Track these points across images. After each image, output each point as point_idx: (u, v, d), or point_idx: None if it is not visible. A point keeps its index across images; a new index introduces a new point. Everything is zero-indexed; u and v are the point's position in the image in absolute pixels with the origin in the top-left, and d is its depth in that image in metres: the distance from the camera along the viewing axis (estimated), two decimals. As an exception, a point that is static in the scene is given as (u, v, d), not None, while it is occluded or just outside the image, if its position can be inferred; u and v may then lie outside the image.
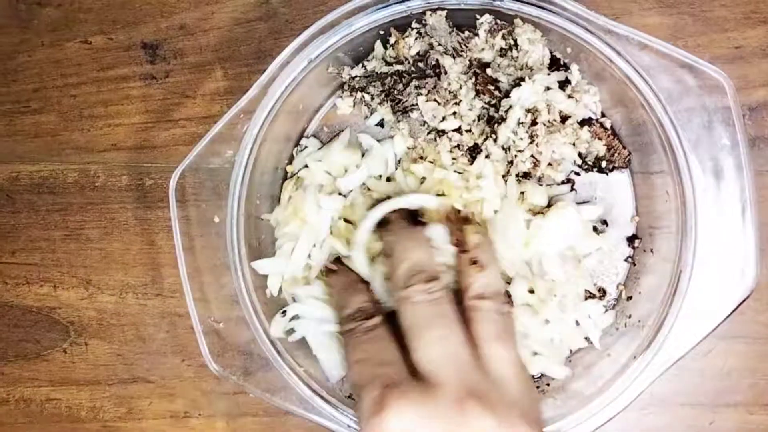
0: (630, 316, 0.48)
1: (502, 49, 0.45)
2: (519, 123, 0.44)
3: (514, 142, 0.44)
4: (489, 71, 0.45)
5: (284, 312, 0.49)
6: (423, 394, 0.37)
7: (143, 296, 0.57)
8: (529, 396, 0.39)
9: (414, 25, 0.46)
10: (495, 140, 0.45)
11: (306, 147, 0.52)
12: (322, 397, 0.47)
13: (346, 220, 0.49)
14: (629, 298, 0.49)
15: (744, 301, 0.42)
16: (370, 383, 0.38)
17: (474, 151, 0.47)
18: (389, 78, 0.46)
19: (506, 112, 0.44)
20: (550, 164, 0.45)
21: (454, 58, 0.45)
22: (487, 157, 0.45)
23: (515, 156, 0.44)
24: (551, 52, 0.46)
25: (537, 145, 0.43)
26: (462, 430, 0.36)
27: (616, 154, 0.46)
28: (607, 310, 0.49)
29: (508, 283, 0.46)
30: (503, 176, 0.46)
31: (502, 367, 0.39)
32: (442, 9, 0.45)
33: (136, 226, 0.56)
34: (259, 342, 0.48)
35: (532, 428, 0.37)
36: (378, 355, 0.40)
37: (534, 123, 0.43)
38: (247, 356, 0.49)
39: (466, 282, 0.42)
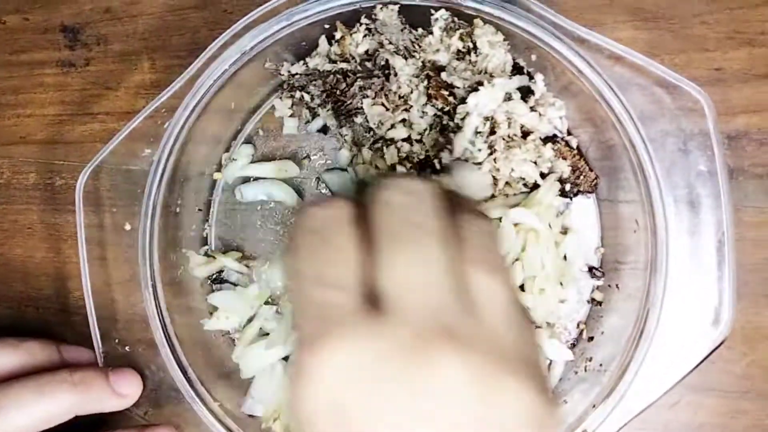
0: (591, 359, 0.44)
1: (459, 51, 0.41)
2: (476, 132, 0.39)
3: (471, 153, 0.39)
4: (444, 75, 0.41)
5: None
6: (376, 326, 0.27)
7: (45, 311, 0.52)
8: (526, 346, 0.29)
9: (363, 20, 0.43)
10: (450, 152, 0.40)
11: (235, 160, 0.48)
12: (239, 437, 0.43)
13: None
14: (590, 338, 0.45)
15: (717, 348, 0.39)
16: (309, 311, 0.29)
17: (425, 164, 0.42)
18: (331, 76, 0.42)
19: (462, 119, 0.39)
20: (508, 183, 0.40)
21: (405, 58, 0.41)
22: (439, 171, 0.41)
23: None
24: (514, 59, 0.42)
25: (495, 160, 0.38)
26: (420, 380, 0.26)
27: (581, 177, 0.42)
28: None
29: None
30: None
31: (491, 304, 0.29)
32: (395, 3, 0.41)
33: (43, 231, 0.52)
34: (170, 371, 0.43)
35: (525, 384, 0.27)
36: (329, 266, 0.29)
37: (492, 132, 0.39)
38: (155, 387, 0.45)
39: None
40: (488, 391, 0.26)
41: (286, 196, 0.46)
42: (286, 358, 0.45)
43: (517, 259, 0.43)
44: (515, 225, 0.42)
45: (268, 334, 0.46)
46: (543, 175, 0.42)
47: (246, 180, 0.47)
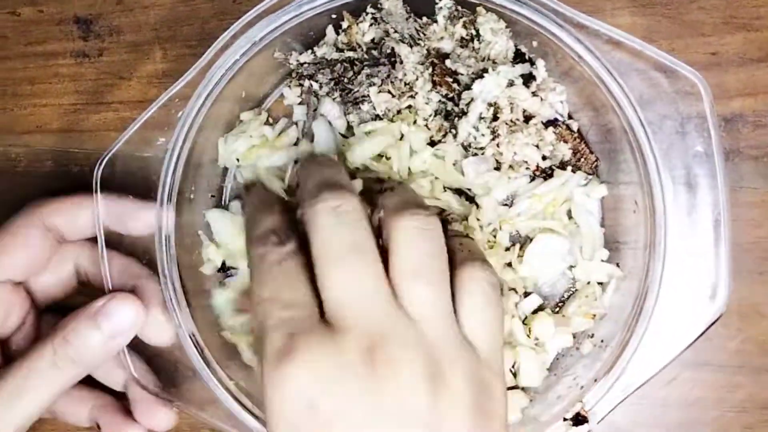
0: (592, 335, 0.45)
1: (462, 38, 0.42)
2: (480, 118, 0.40)
3: (475, 138, 0.41)
4: (448, 62, 0.42)
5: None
6: (330, 341, 0.30)
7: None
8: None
9: (369, 9, 0.44)
10: (455, 136, 0.41)
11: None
12: (254, 415, 0.43)
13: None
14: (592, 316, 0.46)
15: (712, 324, 0.39)
16: (274, 329, 0.32)
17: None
18: (339, 65, 0.43)
19: (467, 105, 0.40)
20: (511, 167, 0.41)
21: (410, 46, 0.42)
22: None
23: (475, 154, 0.40)
24: (516, 46, 0.43)
25: (498, 144, 0.40)
26: (379, 390, 0.30)
27: (582, 159, 0.43)
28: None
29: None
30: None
31: (422, 311, 0.32)
32: None
33: (60, 217, 0.52)
34: (186, 349, 0.44)
35: (469, 387, 0.31)
36: (287, 292, 0.33)
37: (495, 118, 0.40)
38: (171, 366, 0.46)
39: (375, 204, 0.36)
40: (433, 388, 0.30)
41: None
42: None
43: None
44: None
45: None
46: (544, 158, 0.43)
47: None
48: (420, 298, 0.32)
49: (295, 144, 0.47)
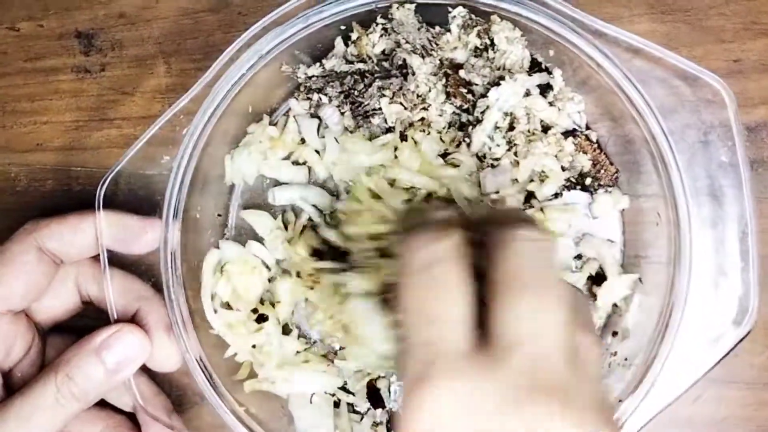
0: (615, 354, 0.44)
1: (476, 48, 0.41)
2: (496, 127, 0.39)
3: (490, 148, 0.39)
4: (462, 72, 0.40)
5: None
6: (486, 371, 0.27)
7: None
8: (604, 394, 0.31)
9: (379, 20, 0.43)
10: (468, 145, 0.40)
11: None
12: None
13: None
14: (614, 333, 0.44)
15: (741, 341, 0.38)
16: (415, 350, 0.28)
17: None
18: (349, 77, 0.41)
19: (482, 113, 0.39)
20: (531, 180, 0.40)
21: (423, 57, 0.41)
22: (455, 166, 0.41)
23: (491, 165, 0.39)
24: (532, 55, 0.42)
25: (516, 154, 0.38)
26: (513, 424, 0.27)
27: (602, 171, 0.42)
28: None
29: None
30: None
31: (589, 360, 0.30)
32: (411, 2, 0.41)
33: (62, 237, 0.50)
34: (194, 375, 0.42)
35: None
36: (438, 304, 0.29)
37: (512, 128, 0.38)
38: (179, 391, 0.46)
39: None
40: None
41: (321, 199, 0.45)
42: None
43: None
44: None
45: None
46: (564, 169, 0.42)
47: (277, 183, 0.47)
48: (590, 346, 0.30)
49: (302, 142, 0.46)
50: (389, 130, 0.42)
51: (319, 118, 0.45)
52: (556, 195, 0.43)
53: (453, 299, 0.29)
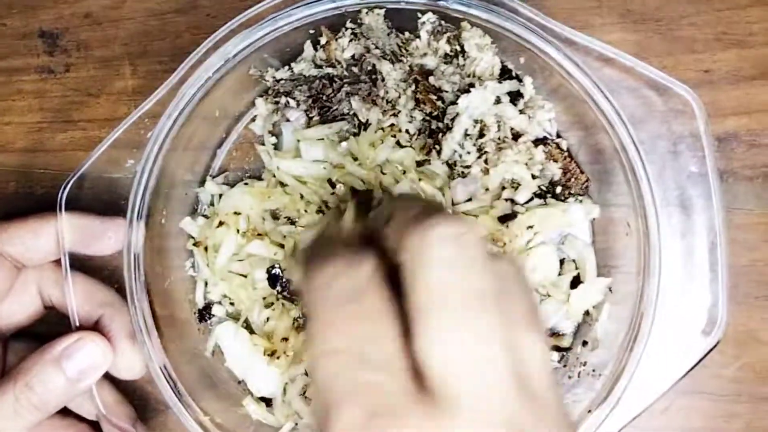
0: (585, 364, 0.44)
1: (446, 54, 0.40)
2: (466, 134, 0.39)
3: (460, 156, 0.39)
4: (432, 79, 0.40)
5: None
6: (432, 422, 0.23)
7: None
8: (561, 402, 0.27)
9: (348, 24, 0.42)
10: (438, 152, 0.39)
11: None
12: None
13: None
14: (584, 343, 0.44)
15: (710, 351, 0.38)
16: (347, 400, 0.24)
17: (414, 169, 0.41)
18: (317, 82, 0.41)
19: (452, 120, 0.39)
20: (504, 188, 0.40)
21: (392, 63, 0.40)
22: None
23: (461, 174, 0.39)
24: (502, 62, 0.41)
25: (486, 161, 0.38)
26: None
27: (573, 180, 0.42)
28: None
29: None
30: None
31: (537, 366, 0.25)
32: (380, 7, 0.41)
33: (23, 241, 0.49)
34: (158, 383, 0.41)
35: None
36: (365, 342, 0.25)
37: (482, 135, 0.38)
38: (143, 399, 0.45)
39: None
40: None
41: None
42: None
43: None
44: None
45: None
46: (534, 177, 0.42)
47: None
48: (533, 347, 0.26)
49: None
50: (359, 128, 0.42)
51: (287, 120, 0.44)
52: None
53: (382, 334, 0.24)
